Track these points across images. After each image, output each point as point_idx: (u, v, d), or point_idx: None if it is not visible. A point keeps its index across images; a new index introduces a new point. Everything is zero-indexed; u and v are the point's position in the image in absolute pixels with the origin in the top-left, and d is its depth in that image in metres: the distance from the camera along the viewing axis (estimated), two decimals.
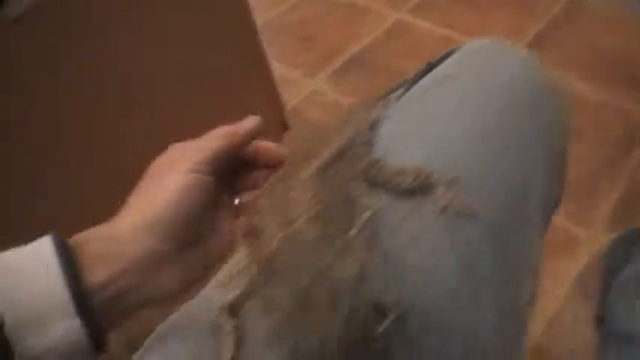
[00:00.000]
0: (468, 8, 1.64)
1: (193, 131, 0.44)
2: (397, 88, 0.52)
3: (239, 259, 0.39)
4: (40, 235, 0.36)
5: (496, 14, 1.60)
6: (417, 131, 0.44)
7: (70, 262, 0.33)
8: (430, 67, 0.52)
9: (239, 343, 0.33)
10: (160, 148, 0.42)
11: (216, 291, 0.37)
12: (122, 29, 0.73)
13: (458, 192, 0.39)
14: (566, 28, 1.51)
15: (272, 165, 0.45)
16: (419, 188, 0.39)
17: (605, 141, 1.22)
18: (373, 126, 0.45)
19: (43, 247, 0.34)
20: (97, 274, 0.35)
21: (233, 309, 0.36)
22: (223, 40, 0.96)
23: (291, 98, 1.47)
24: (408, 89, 0.50)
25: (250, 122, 0.45)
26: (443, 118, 0.44)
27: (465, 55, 0.51)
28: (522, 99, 0.46)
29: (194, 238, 0.40)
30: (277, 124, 1.27)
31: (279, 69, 1.40)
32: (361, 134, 0.43)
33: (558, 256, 1.06)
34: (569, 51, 1.43)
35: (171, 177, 0.39)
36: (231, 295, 0.36)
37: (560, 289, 1.01)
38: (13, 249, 0.34)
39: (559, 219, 1.10)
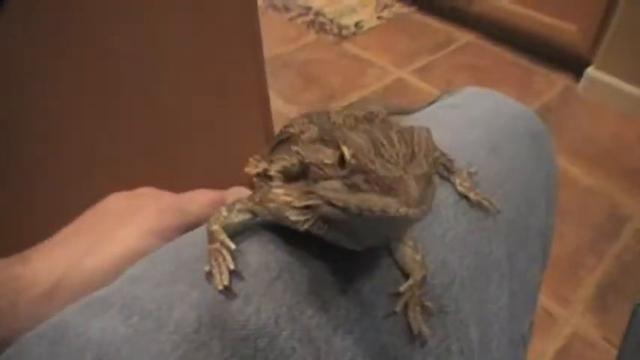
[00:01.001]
0: (468, 79, 1.69)
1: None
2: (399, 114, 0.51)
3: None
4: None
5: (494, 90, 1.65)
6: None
7: None
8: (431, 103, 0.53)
9: (235, 259, 0.29)
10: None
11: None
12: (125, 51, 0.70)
13: (477, 185, 0.38)
14: (557, 112, 1.56)
15: None
16: (442, 169, 0.38)
17: (589, 226, 1.23)
18: None
19: None
20: None
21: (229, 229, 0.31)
22: (227, 63, 0.94)
23: None
24: (409, 114, 0.50)
25: (238, 194, 0.39)
26: (454, 131, 0.44)
27: (467, 93, 0.52)
28: (525, 131, 0.46)
29: None
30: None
31: (275, 102, 1.39)
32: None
33: (535, 330, 1.03)
34: (561, 135, 1.47)
35: (125, 234, 0.32)
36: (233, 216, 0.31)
37: None
38: None
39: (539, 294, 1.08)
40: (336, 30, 1.91)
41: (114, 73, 0.68)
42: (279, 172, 0.30)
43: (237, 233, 0.31)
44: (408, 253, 0.32)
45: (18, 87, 0.57)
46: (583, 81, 1.63)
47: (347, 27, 1.93)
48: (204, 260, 0.29)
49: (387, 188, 0.23)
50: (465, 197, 0.38)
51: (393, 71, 1.73)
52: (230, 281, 0.28)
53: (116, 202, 0.34)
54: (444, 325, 0.32)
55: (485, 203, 0.38)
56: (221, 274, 0.28)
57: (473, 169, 0.39)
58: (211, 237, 0.30)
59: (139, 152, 0.77)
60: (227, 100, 0.98)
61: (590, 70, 1.61)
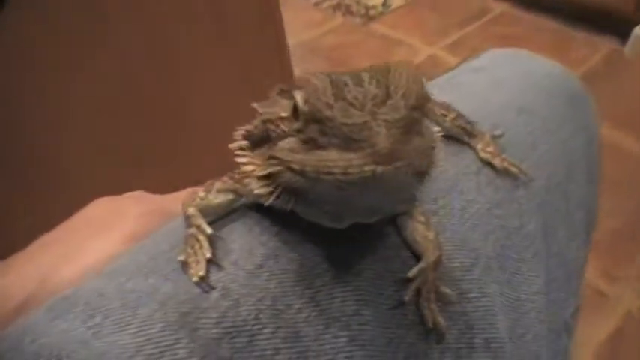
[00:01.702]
0: None
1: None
2: None
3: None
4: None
5: None
6: (453, 101, 0.39)
7: None
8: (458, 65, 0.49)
9: (214, 245, 0.26)
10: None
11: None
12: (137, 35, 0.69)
13: (504, 149, 0.34)
14: (603, 78, 1.46)
15: None
16: (462, 132, 0.34)
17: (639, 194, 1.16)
18: None
19: None
20: None
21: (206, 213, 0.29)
22: (250, 51, 0.92)
23: None
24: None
25: None
26: (479, 94, 0.39)
27: (493, 54, 0.47)
28: (561, 92, 0.42)
29: None
30: None
31: None
32: None
33: (585, 312, 0.98)
34: (604, 101, 1.38)
35: (105, 241, 0.30)
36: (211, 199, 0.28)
37: (586, 348, 0.93)
38: None
39: (587, 273, 1.03)
40: (363, 11, 1.86)
41: (126, 72, 0.67)
42: (243, 137, 0.26)
43: (218, 217, 0.28)
44: (419, 229, 0.27)
45: (19, 87, 0.57)
46: (629, 43, 1.52)
47: (374, 7, 1.88)
48: (179, 248, 0.26)
49: (348, 140, 0.18)
50: (489, 164, 0.33)
51: (423, 49, 1.67)
52: (207, 271, 0.25)
53: (98, 207, 0.32)
54: (465, 314, 0.28)
55: (514, 170, 0.33)
56: (197, 263, 0.25)
57: (498, 132, 0.35)
58: (187, 222, 0.27)
59: (157, 151, 0.76)
60: (250, 94, 0.96)
61: (637, 30, 1.50)
